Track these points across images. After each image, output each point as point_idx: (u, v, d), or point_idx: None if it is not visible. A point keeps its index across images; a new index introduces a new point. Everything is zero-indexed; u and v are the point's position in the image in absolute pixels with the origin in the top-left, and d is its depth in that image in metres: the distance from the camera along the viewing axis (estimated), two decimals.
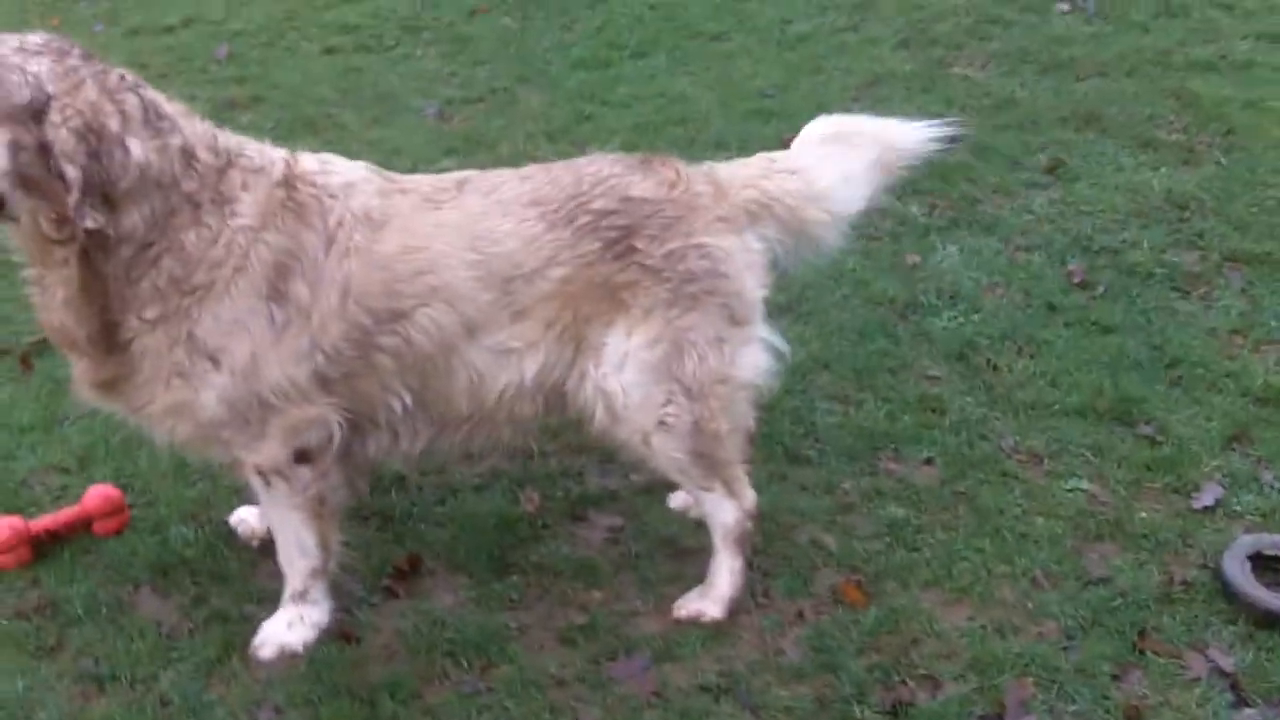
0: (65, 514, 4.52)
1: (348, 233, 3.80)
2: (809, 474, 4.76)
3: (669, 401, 3.95)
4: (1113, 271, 5.90)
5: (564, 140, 7.13)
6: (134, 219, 3.59)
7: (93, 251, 3.61)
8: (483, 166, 4.27)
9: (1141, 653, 3.99)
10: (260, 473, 3.92)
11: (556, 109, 7.63)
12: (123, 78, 3.61)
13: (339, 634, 4.11)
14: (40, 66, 3.48)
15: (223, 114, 7.61)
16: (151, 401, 3.81)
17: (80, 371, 3.88)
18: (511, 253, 3.87)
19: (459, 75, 8.26)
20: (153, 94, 3.68)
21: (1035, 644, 4.03)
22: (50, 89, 3.45)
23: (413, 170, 4.55)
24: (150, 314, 3.68)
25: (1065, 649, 4.01)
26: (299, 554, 4.06)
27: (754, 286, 4.05)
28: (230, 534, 4.51)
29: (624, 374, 3.93)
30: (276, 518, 4.05)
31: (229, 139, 3.83)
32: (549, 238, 3.88)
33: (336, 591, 4.18)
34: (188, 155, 3.66)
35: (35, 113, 3.45)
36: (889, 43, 8.30)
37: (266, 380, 3.76)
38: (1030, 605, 4.18)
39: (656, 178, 3.99)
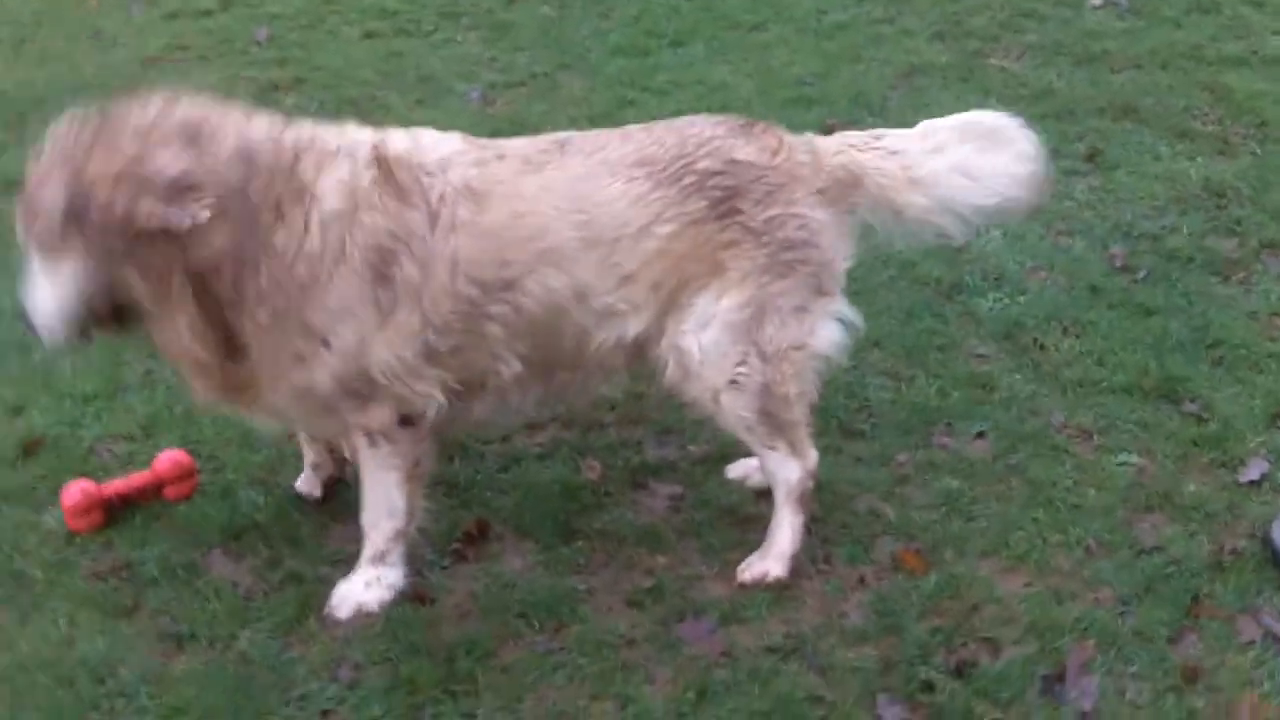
0: (136, 478, 4.61)
1: (451, 208, 3.87)
2: (864, 447, 4.86)
3: (743, 361, 4.03)
4: (1153, 256, 6.00)
5: (607, 124, 7.15)
6: (222, 236, 3.70)
7: (200, 276, 3.73)
8: None
9: (1196, 618, 4.10)
10: (367, 433, 4.02)
11: (597, 94, 7.71)
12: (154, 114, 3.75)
13: (413, 596, 4.20)
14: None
15: (266, 95, 7.79)
16: (275, 393, 3.94)
17: (203, 385, 4.01)
18: (619, 211, 3.95)
19: (499, 60, 8.34)
20: (187, 111, 3.77)
21: (1092, 609, 4.13)
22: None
23: None
24: (263, 317, 3.79)
25: (1122, 614, 4.11)
26: (386, 515, 4.15)
27: (841, 260, 4.16)
28: (300, 498, 4.60)
29: (705, 333, 4.01)
30: (371, 478, 4.13)
31: (297, 131, 3.90)
32: (656, 195, 3.96)
33: (409, 555, 4.26)
34: (244, 158, 3.74)
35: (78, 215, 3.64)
36: (924, 34, 8.38)
37: (376, 360, 3.87)
38: (1086, 573, 4.28)
39: (759, 143, 4.07)
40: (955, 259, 5.95)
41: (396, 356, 3.88)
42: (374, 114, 7.51)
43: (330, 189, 3.81)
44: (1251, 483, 4.66)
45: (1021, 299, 5.69)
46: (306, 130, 3.93)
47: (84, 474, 4.62)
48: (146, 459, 4.71)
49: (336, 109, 7.63)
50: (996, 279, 5.84)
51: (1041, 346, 5.39)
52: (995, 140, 4.20)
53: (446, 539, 4.41)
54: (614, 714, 3.80)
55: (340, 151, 3.88)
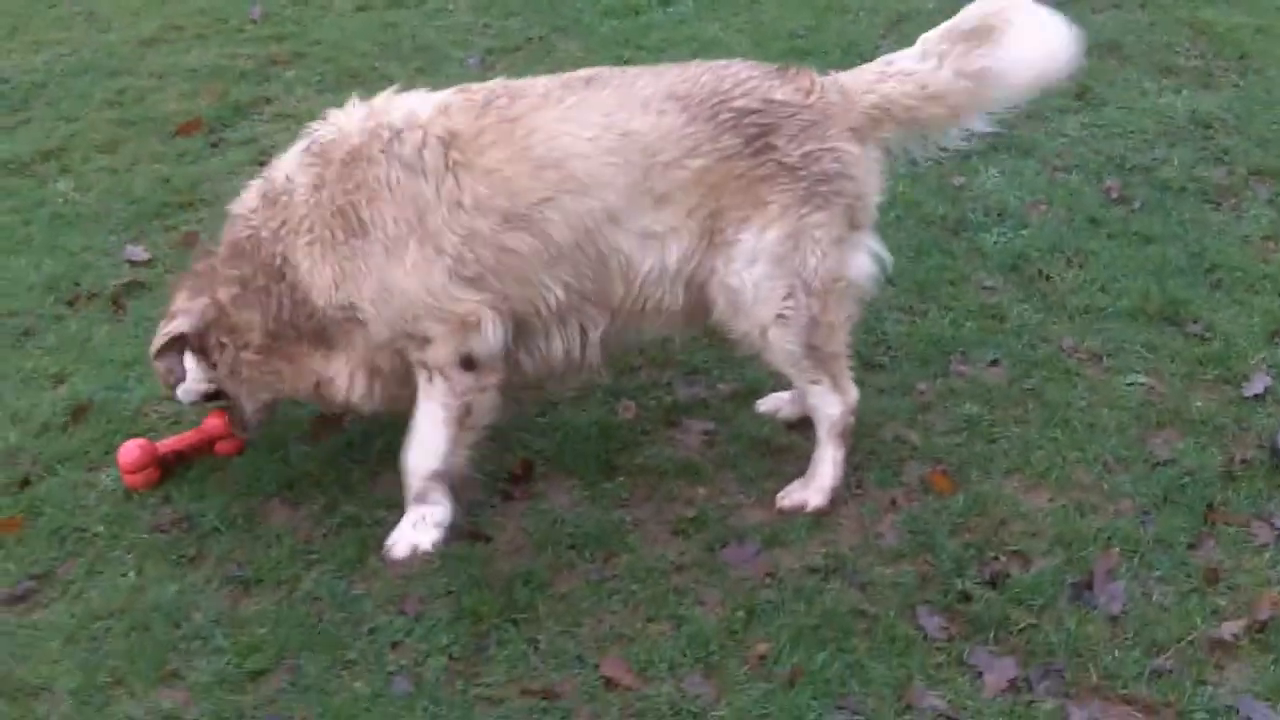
0: (188, 436, 4.77)
1: (437, 153, 4.09)
2: (885, 378, 5.06)
3: (790, 295, 4.19)
4: (1147, 187, 6.23)
5: None
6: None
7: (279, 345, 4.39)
8: None
9: (1212, 524, 4.32)
10: (426, 368, 4.22)
11: (594, 55, 7.83)
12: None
13: (469, 533, 4.38)
14: None
15: (265, 70, 7.92)
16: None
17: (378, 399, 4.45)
18: (651, 142, 4.09)
19: (493, 26, 8.49)
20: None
21: (1114, 520, 4.34)
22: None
23: None
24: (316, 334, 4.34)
25: (1143, 523, 4.32)
26: (423, 453, 4.33)
27: (874, 193, 4.31)
28: (349, 446, 4.77)
29: (754, 269, 4.16)
30: (420, 412, 4.31)
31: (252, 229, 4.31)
32: (690, 130, 4.11)
33: (459, 497, 4.43)
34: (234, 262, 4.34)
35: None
36: None
37: (406, 295, 4.12)
38: (1105, 487, 4.50)
39: (794, 84, 4.22)
40: (958, 197, 6.15)
41: (423, 286, 4.10)
42: (376, 84, 7.56)
43: (296, 246, 4.22)
44: (1256, 396, 4.88)
45: (1024, 232, 5.90)
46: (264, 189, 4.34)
47: (134, 435, 4.77)
48: (194, 419, 4.86)
49: (338, 79, 7.79)
50: (999, 214, 6.05)
51: (1047, 277, 5.60)
52: (990, 38, 4.24)
53: (493, 480, 4.59)
54: (669, 634, 3.98)
55: (285, 183, 4.28)
